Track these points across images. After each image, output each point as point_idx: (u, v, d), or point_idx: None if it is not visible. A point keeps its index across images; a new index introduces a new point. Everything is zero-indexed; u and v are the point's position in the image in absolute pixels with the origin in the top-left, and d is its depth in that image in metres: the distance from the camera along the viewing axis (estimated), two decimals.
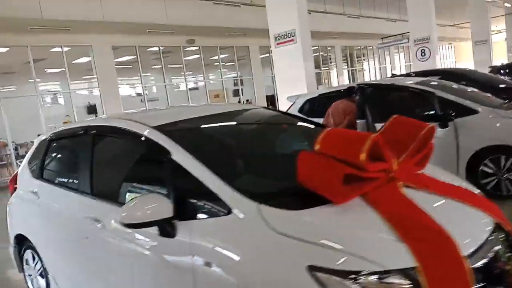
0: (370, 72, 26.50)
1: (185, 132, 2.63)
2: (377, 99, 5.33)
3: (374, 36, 22.62)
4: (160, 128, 2.47)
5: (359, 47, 25.63)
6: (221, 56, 18.10)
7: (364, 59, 26.65)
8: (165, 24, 13.54)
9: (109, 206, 2.53)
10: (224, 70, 18.55)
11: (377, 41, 23.19)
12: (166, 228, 2.07)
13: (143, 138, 2.44)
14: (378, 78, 26.06)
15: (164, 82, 15.89)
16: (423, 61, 13.57)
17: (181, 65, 16.46)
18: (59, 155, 3.41)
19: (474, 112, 4.76)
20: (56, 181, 3.16)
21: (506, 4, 19.93)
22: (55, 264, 3.14)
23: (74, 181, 2.93)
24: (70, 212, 2.84)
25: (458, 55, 33.64)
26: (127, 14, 12.57)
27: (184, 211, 2.06)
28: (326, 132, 2.05)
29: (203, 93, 17.70)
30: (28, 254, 3.57)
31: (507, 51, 21.81)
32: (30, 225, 3.33)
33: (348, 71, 24.79)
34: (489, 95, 5.53)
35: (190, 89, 17.10)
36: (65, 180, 3.14)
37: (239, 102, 18.25)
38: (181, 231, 2.04)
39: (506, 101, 5.24)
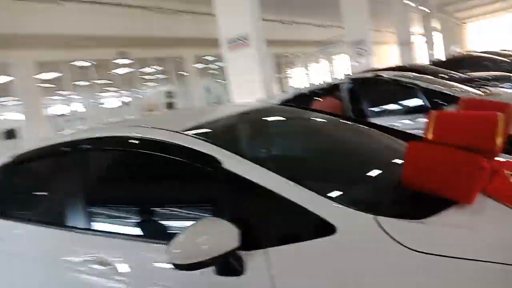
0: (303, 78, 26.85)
1: (226, 135, 2.09)
2: (363, 94, 5.11)
3: (304, 43, 23.02)
4: (194, 130, 1.92)
5: (287, 55, 25.96)
6: (155, 68, 17.19)
7: (292, 66, 27.03)
8: (93, 35, 12.49)
9: (122, 242, 1.91)
10: (156, 83, 17.61)
11: (306, 48, 23.65)
12: (231, 264, 1.52)
13: (172, 147, 1.85)
14: (305, 85, 26.52)
15: (95, 99, 14.65)
16: (359, 62, 13.89)
17: (112, 80, 15.32)
18: (31, 183, 2.60)
19: None
20: (30, 218, 2.38)
21: (423, 8, 21.34)
22: None
23: (63, 214, 2.22)
24: (58, 255, 2.13)
25: (376, 58, 35.37)
26: (51, 26, 11.37)
27: (251, 238, 1.53)
28: (438, 117, 1.63)
29: (136, 108, 16.63)
30: None
31: (428, 52, 23.30)
32: None
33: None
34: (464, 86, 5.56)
35: (120, 105, 15.93)
36: (46, 215, 2.37)
37: None
38: (253, 264, 1.51)
39: (482, 91, 5.26)
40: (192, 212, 1.86)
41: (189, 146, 1.78)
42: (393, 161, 1.93)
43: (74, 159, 2.21)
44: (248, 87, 8.28)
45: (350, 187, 1.80)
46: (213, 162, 1.70)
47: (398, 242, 1.33)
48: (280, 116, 2.53)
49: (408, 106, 4.86)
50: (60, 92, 14.23)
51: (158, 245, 1.75)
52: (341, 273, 1.38)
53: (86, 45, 12.96)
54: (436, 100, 4.58)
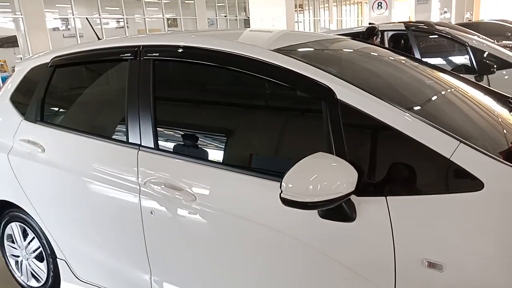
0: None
1: (330, 62, 1.81)
2: (404, 45, 4.77)
3: None
4: (290, 52, 1.64)
5: None
6: None
7: (300, 10, 25.94)
8: None
9: (201, 168, 1.67)
10: (159, 8, 16.63)
11: None
12: (344, 208, 1.32)
13: (268, 68, 1.57)
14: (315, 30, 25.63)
15: (99, 15, 13.83)
16: (380, 14, 13.35)
17: None
18: (82, 89, 2.28)
19: (510, 66, 4.43)
20: (81, 129, 2.09)
21: None
22: (77, 244, 2.21)
23: (117, 129, 1.96)
24: (115, 173, 1.90)
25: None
26: None
27: (367, 183, 1.33)
28: None
29: (135, 33, 15.81)
30: (13, 228, 2.55)
31: (440, 13, 22.53)
32: (27, 189, 2.30)
33: None
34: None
35: (120, 27, 15.09)
36: (99, 127, 2.10)
37: None
38: (368, 212, 1.31)
39: None
40: (292, 146, 1.61)
41: (295, 70, 1.51)
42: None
43: (138, 67, 1.87)
44: (269, 22, 7.82)
45: (501, 140, 1.55)
46: (320, 91, 1.45)
47: None
48: (373, 50, 2.22)
49: (456, 64, 4.58)
50: (60, 5, 13.37)
51: (248, 176, 1.54)
52: (491, 234, 1.18)
53: None
54: (489, 62, 4.29)
